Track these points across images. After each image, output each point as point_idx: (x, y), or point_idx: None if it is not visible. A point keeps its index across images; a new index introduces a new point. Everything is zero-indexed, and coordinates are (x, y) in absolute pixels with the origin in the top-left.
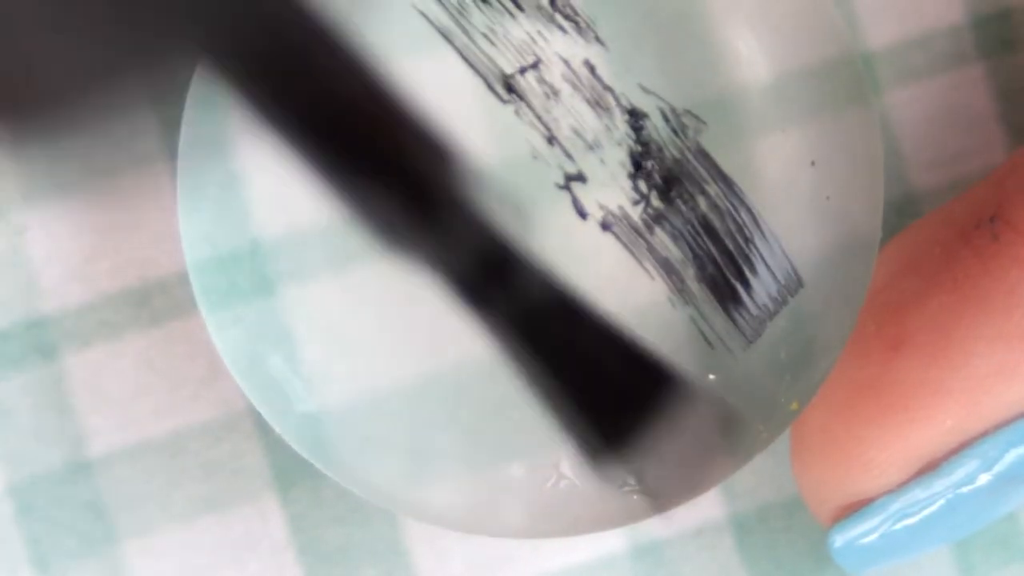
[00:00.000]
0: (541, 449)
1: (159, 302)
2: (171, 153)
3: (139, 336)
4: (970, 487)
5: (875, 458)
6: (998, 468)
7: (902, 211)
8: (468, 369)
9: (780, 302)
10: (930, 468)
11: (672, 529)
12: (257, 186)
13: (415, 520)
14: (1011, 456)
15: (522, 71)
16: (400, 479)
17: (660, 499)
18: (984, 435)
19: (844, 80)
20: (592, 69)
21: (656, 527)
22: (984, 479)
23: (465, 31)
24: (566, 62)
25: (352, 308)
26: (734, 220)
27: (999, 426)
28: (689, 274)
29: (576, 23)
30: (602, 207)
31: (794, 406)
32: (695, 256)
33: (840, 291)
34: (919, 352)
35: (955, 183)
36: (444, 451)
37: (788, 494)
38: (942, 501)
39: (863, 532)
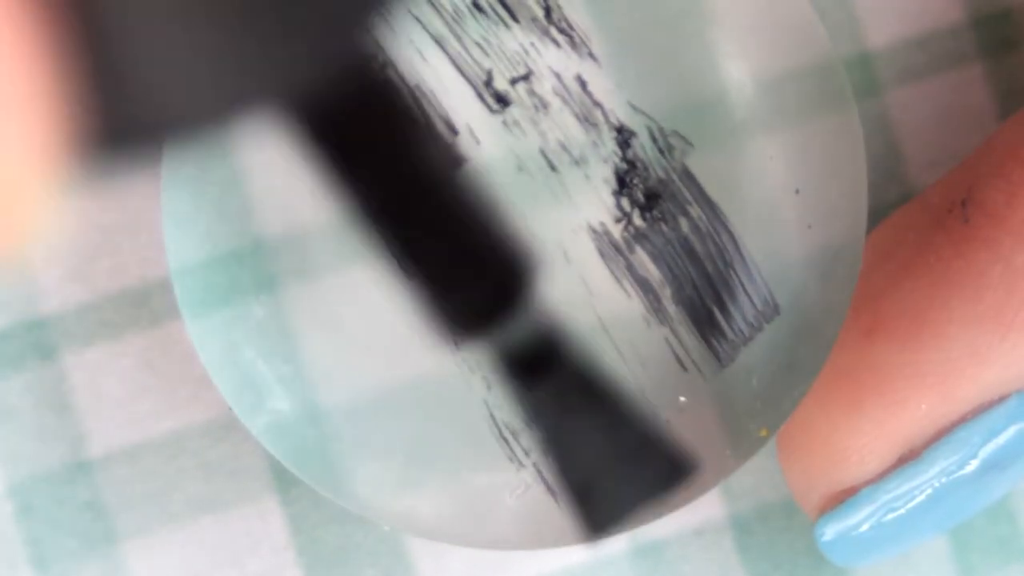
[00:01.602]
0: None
1: (159, 302)
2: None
3: (139, 336)
4: (955, 475)
5: (853, 446)
6: (983, 455)
7: None
8: (471, 371)
9: (756, 328)
10: (911, 456)
11: (672, 529)
12: (258, 185)
13: (401, 532)
14: (994, 443)
15: (513, 82)
16: (389, 485)
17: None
18: (961, 419)
19: (832, 99)
20: (583, 84)
21: (656, 527)
22: (969, 467)
23: (459, 38)
24: (558, 76)
25: (354, 307)
26: (715, 243)
27: (975, 410)
28: (666, 295)
29: (570, 37)
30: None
31: (763, 433)
32: (673, 277)
33: (816, 321)
34: (892, 337)
35: None
36: (440, 453)
37: (788, 494)
38: (929, 491)
39: (850, 525)
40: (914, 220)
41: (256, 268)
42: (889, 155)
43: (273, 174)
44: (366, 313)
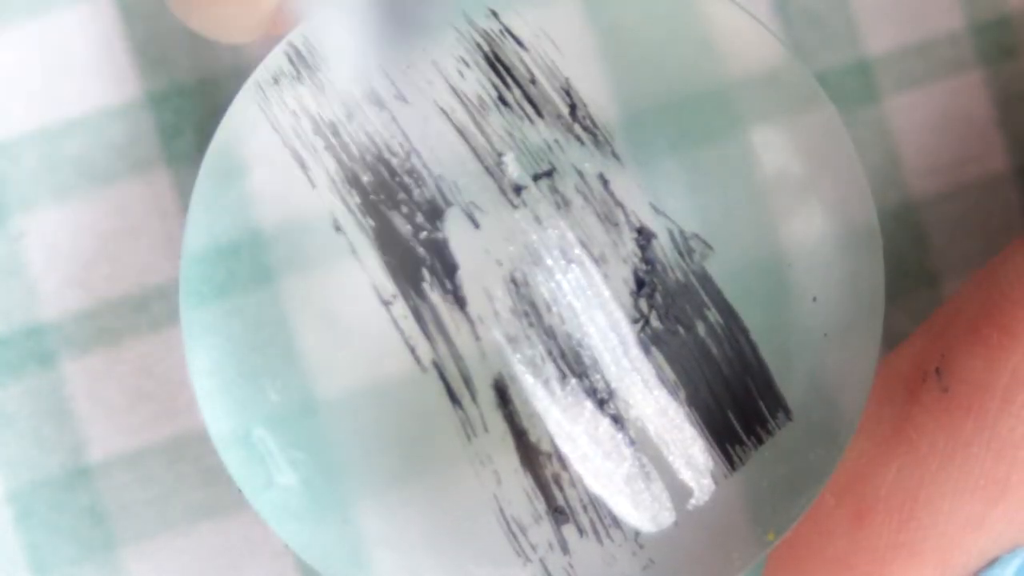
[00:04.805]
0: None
1: (158, 308)
2: (170, 159)
3: (138, 342)
4: None
5: None
6: None
7: (899, 218)
8: (481, 464)
9: (768, 433)
10: None
11: None
12: (257, 178)
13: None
14: None
15: (535, 178)
16: (388, 479)
17: None
18: None
19: (858, 233)
20: (605, 183)
21: None
22: None
23: (483, 132)
24: (580, 173)
25: (350, 299)
26: (731, 348)
27: (972, 573)
28: (681, 397)
29: (594, 136)
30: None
31: (770, 537)
32: (689, 380)
33: (827, 428)
34: (886, 519)
35: (954, 190)
36: (448, 546)
37: None
38: None
39: None
40: (886, 393)
41: (253, 261)
42: (888, 162)
43: (272, 167)
44: (358, 304)
